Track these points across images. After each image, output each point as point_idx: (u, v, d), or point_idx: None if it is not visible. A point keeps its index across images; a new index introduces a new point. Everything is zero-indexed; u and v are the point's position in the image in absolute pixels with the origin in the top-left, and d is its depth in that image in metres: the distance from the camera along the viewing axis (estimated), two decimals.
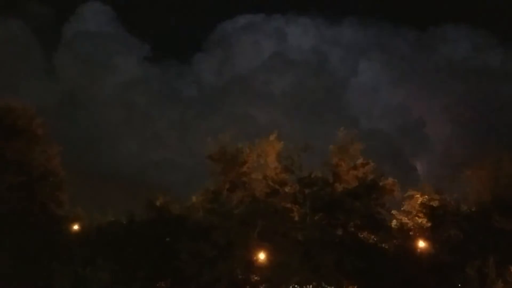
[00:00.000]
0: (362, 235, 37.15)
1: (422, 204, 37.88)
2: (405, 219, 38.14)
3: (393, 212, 38.37)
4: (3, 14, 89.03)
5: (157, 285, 38.25)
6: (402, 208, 38.46)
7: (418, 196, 38.12)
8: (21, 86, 78.33)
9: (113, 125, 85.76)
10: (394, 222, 38.32)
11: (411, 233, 37.84)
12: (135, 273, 36.51)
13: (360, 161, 38.00)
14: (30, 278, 33.70)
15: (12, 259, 32.98)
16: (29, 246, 33.87)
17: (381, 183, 37.52)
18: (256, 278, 36.85)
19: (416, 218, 37.90)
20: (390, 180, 37.73)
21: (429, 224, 37.52)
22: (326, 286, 37.32)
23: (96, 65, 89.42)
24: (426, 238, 37.06)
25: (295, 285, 37.59)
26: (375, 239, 37.28)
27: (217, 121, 79.39)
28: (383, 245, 37.39)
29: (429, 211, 37.62)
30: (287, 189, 37.66)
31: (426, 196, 38.05)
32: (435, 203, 37.82)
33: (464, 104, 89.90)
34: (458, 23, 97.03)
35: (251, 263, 36.10)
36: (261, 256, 35.90)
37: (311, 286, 37.43)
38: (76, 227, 37.90)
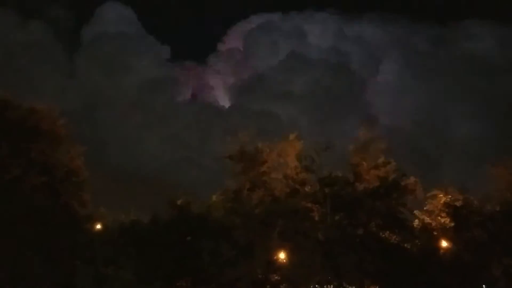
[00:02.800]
0: (383, 235, 36.75)
1: (445, 203, 37.22)
2: (427, 219, 37.52)
3: (416, 212, 37.80)
4: (25, 17, 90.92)
5: (178, 284, 38.49)
6: (424, 208, 37.87)
7: (441, 195, 37.46)
8: (44, 88, 79.74)
9: (133, 125, 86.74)
10: (416, 222, 37.79)
11: (434, 233, 37.22)
12: (156, 272, 36.79)
13: (381, 160, 37.59)
14: (53, 276, 34.23)
15: (35, 258, 33.54)
16: (53, 245, 34.40)
17: (402, 183, 37.06)
18: (276, 277, 36.78)
19: (439, 218, 37.24)
20: (412, 179, 37.23)
21: (452, 224, 36.84)
22: (347, 286, 37.03)
23: (116, 67, 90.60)
24: (449, 238, 36.42)
25: (315, 285, 37.40)
26: (397, 239, 36.82)
27: (235, 121, 79.61)
28: (405, 245, 36.90)
29: (452, 211, 36.95)
30: (307, 189, 37.51)
31: (449, 196, 37.39)
32: (458, 203, 37.12)
33: (488, 102, 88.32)
34: (480, 18, 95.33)
35: (271, 263, 36.07)
36: (282, 255, 35.86)
37: (332, 286, 37.20)
38: (98, 226, 38.36)
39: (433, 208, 37.58)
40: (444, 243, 36.35)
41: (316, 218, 36.86)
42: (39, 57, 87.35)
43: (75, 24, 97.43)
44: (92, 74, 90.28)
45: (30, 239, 33.65)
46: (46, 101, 38.21)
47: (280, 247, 35.76)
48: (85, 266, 36.70)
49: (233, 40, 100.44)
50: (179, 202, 39.02)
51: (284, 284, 36.87)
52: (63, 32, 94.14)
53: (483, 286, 36.71)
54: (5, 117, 36.29)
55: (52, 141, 37.25)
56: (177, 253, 36.63)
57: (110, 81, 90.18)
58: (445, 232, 36.84)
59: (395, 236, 36.79)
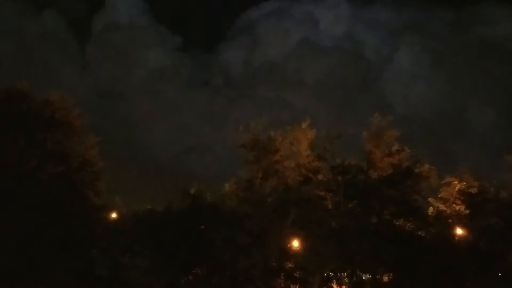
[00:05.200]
0: (397, 223, 36.60)
1: (460, 191, 36.90)
2: (442, 207, 37.27)
3: (430, 199, 37.56)
4: (38, 7, 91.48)
5: (193, 272, 38.93)
6: (439, 195, 37.59)
7: (456, 182, 37.13)
8: (58, 78, 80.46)
9: (146, 115, 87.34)
10: (430, 210, 37.54)
11: (449, 220, 36.97)
12: (171, 260, 37.20)
13: (395, 147, 37.27)
14: (70, 265, 34.82)
15: (52, 247, 34.11)
16: (69, 234, 34.95)
17: (417, 170, 36.71)
18: (290, 265, 37.00)
19: (454, 205, 36.98)
20: (426, 166, 36.84)
21: (467, 212, 36.55)
22: (361, 274, 37.10)
23: (128, 56, 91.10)
24: (464, 226, 36.15)
25: (329, 272, 37.52)
26: (411, 227, 36.66)
27: (248, 109, 79.62)
28: (420, 233, 36.73)
29: (468, 198, 36.62)
30: (320, 177, 37.37)
31: (465, 183, 37.02)
32: (473, 190, 36.76)
33: (505, 88, 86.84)
34: (497, 1, 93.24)
35: (285, 251, 36.24)
36: (295, 243, 36.00)
37: (345, 274, 37.28)
38: (114, 215, 38.87)
39: (447, 196, 37.29)
40: (459, 231, 36.09)
41: (330, 206, 36.79)
42: (52, 48, 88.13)
43: (88, 15, 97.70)
44: (104, 64, 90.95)
45: (47, 229, 34.22)
46: (61, 92, 38.63)
47: (294, 235, 35.85)
48: (101, 255, 37.26)
49: (243, 27, 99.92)
50: (192, 191, 39.26)
51: (297, 272, 37.06)
52: (76, 23, 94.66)
53: (499, 274, 36.43)
54: (21, 108, 36.78)
55: (67, 131, 37.69)
56: (191, 242, 36.95)
57: (122, 71, 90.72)
58: (460, 220, 36.56)
59: (409, 224, 36.62)
